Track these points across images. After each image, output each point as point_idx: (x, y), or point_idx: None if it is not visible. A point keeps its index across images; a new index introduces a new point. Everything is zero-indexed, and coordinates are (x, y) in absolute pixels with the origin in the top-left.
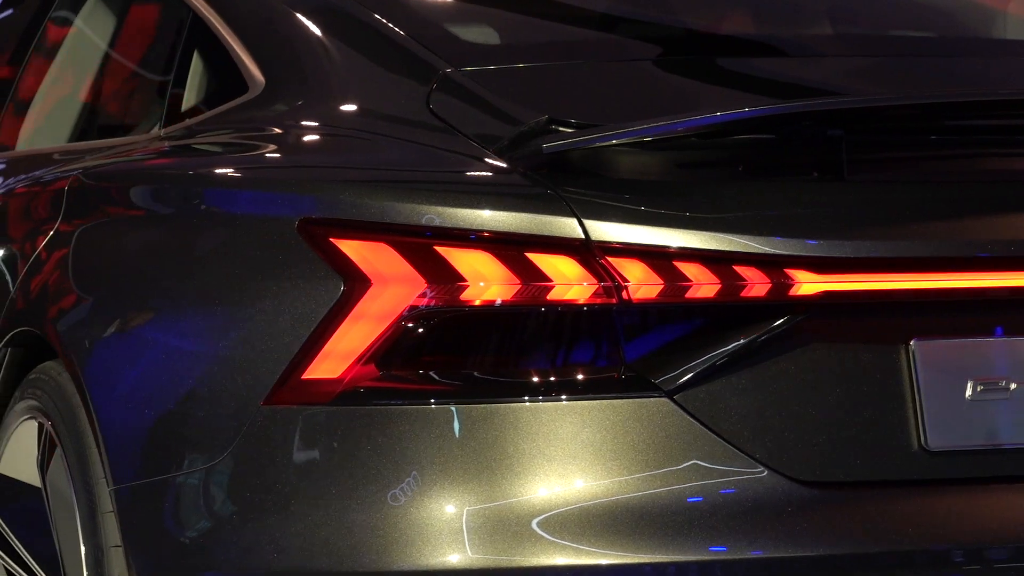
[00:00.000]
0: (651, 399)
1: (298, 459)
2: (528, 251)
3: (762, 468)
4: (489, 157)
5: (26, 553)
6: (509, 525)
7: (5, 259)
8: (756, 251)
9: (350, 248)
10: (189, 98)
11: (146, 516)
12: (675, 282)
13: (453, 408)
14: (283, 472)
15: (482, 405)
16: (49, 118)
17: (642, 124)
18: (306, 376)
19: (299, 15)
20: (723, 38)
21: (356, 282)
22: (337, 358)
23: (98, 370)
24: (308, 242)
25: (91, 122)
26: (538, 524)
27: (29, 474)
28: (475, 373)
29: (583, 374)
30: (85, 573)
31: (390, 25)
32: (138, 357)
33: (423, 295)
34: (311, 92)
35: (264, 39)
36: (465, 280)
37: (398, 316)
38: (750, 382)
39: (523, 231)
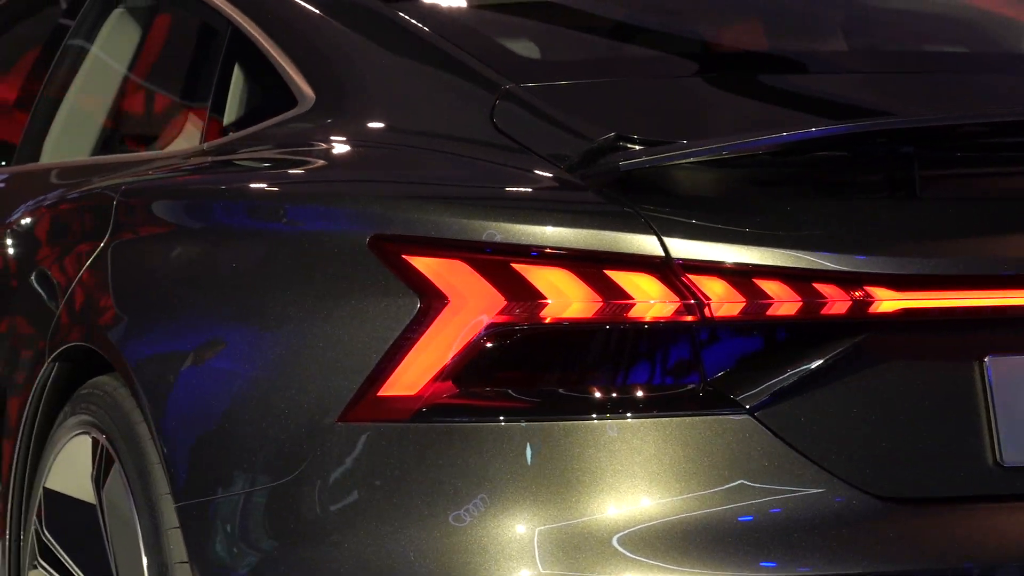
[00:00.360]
0: (732, 416)
1: (374, 476)
2: (608, 268)
3: (842, 484)
4: (560, 174)
5: (77, 569)
6: (591, 543)
7: (43, 274)
8: (836, 268)
9: (425, 265)
10: (231, 112)
11: (214, 533)
12: (756, 299)
13: (532, 425)
14: (358, 489)
15: (562, 422)
16: (76, 131)
17: (719, 142)
18: (383, 393)
19: (348, 29)
20: (782, 56)
21: (433, 299)
22: (414, 375)
23: (161, 386)
24: (380, 259)
25: (121, 135)
26: (618, 542)
27: (81, 489)
28: (555, 390)
29: (664, 391)
30: None
31: (445, 39)
32: (204, 374)
33: (503, 312)
34: (363, 107)
35: (312, 53)
36: (545, 298)
37: (478, 333)
38: (829, 398)
39: (602, 249)
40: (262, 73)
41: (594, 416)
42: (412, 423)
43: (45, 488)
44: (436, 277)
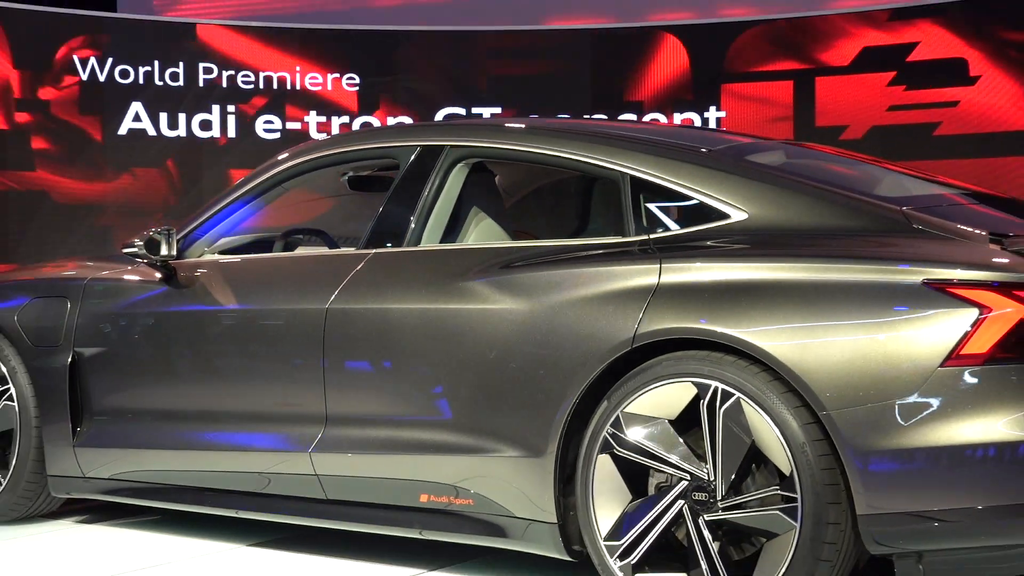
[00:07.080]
0: None
1: (962, 398)
2: None
3: None
4: (987, 244)
5: (660, 451)
6: None
7: (601, 299)
8: None
9: (969, 294)
10: (650, 220)
11: (861, 425)
12: None
13: None
14: (949, 403)
15: None
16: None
17: None
18: (964, 352)
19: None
20: None
21: (982, 309)
22: (981, 343)
23: (804, 356)
24: (935, 291)
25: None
26: None
27: (669, 410)
28: None
29: None
30: (793, 463)
31: (823, 184)
32: (854, 351)
33: None
34: (794, 218)
35: (738, 188)
36: None
37: (1014, 324)
38: None
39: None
40: (674, 198)
41: None
42: (984, 366)
43: (624, 412)
44: (980, 299)
